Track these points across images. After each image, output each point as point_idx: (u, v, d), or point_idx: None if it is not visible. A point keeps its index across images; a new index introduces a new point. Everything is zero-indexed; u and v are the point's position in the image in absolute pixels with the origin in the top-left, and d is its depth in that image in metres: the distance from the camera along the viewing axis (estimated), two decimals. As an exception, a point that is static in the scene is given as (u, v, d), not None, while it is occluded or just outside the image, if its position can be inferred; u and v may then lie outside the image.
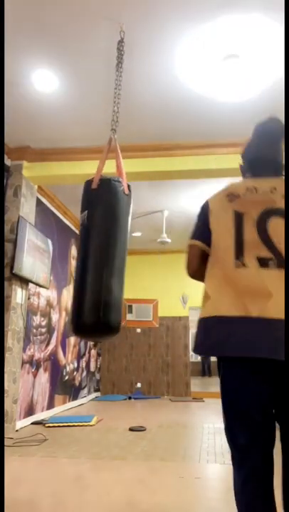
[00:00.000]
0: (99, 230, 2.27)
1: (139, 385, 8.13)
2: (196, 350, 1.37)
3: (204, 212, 1.49)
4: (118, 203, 2.34)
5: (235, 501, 1.31)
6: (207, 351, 1.38)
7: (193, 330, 10.49)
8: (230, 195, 1.43)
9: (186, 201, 6.00)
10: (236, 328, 1.24)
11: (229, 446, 1.44)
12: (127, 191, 2.40)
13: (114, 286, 2.19)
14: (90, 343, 7.62)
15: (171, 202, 6.00)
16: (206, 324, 1.33)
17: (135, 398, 7.72)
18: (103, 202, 2.33)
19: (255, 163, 1.55)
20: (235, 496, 1.32)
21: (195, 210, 5.70)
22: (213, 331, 1.30)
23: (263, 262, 1.28)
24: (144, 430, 4.47)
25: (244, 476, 1.34)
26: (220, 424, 4.99)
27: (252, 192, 1.40)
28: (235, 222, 1.36)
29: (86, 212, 2.34)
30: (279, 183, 1.41)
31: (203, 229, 1.46)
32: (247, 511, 1.28)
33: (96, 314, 2.11)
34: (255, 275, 1.27)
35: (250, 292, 1.26)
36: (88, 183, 2.39)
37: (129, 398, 7.75)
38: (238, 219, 1.36)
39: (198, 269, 1.51)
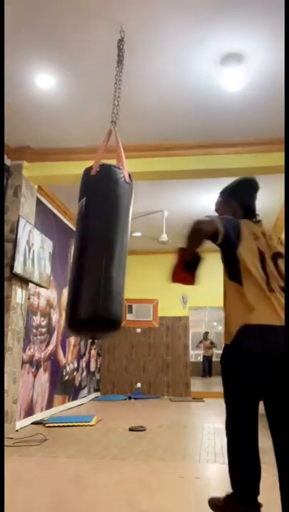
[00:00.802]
0: (98, 217, 2.14)
1: (139, 385, 8.13)
2: (251, 350, 1.69)
3: (237, 227, 1.86)
4: (118, 189, 2.21)
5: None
6: (265, 350, 1.69)
7: (193, 330, 10.46)
8: (253, 234, 1.88)
9: (186, 201, 6.00)
10: (279, 334, 1.69)
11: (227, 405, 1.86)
12: (128, 179, 2.29)
13: (114, 273, 2.03)
14: (94, 344, 7.62)
15: (171, 202, 6.00)
16: (259, 329, 1.72)
17: (135, 398, 7.72)
18: (102, 188, 2.21)
19: (246, 210, 2.03)
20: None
21: (195, 210, 5.72)
22: (264, 336, 1.70)
23: (282, 289, 1.79)
24: (144, 430, 4.47)
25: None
26: (220, 424, 4.99)
27: (264, 237, 1.90)
28: (260, 258, 1.83)
29: (84, 199, 2.22)
30: (269, 229, 1.99)
31: (232, 233, 1.83)
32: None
33: (94, 304, 1.95)
34: (280, 298, 1.77)
35: (280, 309, 1.74)
36: (87, 171, 2.30)
37: (129, 398, 7.75)
38: (262, 256, 1.84)
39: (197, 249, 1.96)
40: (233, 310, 1.80)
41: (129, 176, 2.34)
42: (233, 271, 1.84)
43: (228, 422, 1.86)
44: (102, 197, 2.20)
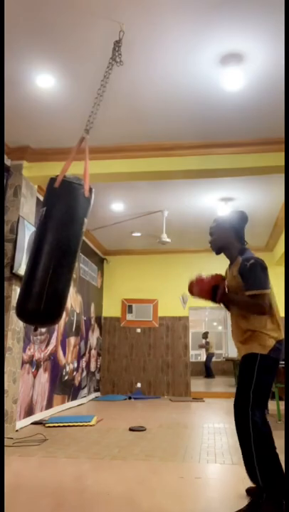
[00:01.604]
0: (53, 227, 2.43)
1: (139, 385, 8.13)
2: (280, 356, 2.33)
3: (267, 270, 2.36)
4: (76, 203, 2.47)
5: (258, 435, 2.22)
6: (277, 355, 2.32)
7: (193, 330, 10.46)
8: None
9: (186, 201, 6.00)
10: None
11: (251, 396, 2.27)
12: (87, 194, 2.49)
13: (59, 279, 2.36)
14: (90, 343, 7.62)
15: (171, 202, 6.00)
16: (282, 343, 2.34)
17: (135, 398, 7.72)
18: (61, 201, 2.47)
19: (241, 239, 2.53)
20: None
21: (195, 210, 5.71)
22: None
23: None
24: (144, 430, 4.47)
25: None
26: (220, 424, 4.99)
27: None
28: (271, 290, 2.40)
29: (45, 208, 2.50)
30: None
31: (268, 282, 2.34)
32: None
33: (38, 303, 2.30)
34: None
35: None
36: (52, 181, 2.53)
37: (129, 398, 7.75)
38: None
39: None
40: (264, 327, 2.32)
41: (90, 189, 2.52)
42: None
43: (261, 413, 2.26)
44: (59, 209, 2.47)
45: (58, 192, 2.47)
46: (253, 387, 2.26)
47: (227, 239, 2.50)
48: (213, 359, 13.67)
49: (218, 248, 2.56)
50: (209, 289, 2.41)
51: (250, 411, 2.21)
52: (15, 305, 2.47)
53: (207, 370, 13.33)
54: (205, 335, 14.22)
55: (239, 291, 2.36)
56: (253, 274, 2.29)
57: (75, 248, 2.46)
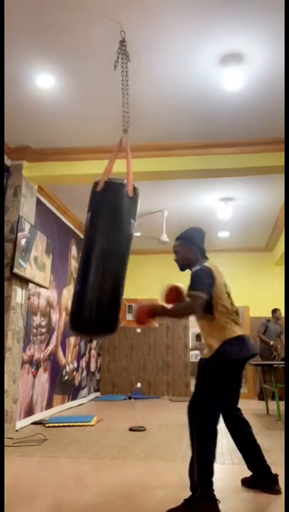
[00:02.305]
0: (100, 233, 2.33)
1: (139, 385, 8.13)
2: (237, 356, 2.40)
3: (212, 276, 2.44)
4: (120, 205, 2.37)
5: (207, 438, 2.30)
6: (245, 355, 2.44)
7: (192, 330, 10.40)
8: (220, 273, 2.54)
9: (186, 201, 6.00)
10: (248, 341, 2.48)
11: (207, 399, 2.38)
12: (131, 194, 2.41)
13: (108, 287, 2.26)
14: (90, 343, 7.62)
15: (171, 202, 6.00)
16: (238, 340, 2.42)
17: (135, 398, 7.72)
18: (105, 204, 2.37)
19: (202, 252, 2.67)
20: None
21: (195, 210, 5.70)
22: (241, 344, 2.42)
23: (237, 313, 2.55)
24: (144, 430, 4.47)
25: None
26: (220, 424, 4.98)
27: (222, 274, 2.57)
28: (226, 290, 2.52)
29: (90, 214, 2.40)
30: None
31: (209, 286, 2.40)
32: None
33: (90, 313, 2.21)
34: (239, 318, 2.54)
35: (241, 325, 2.53)
36: (95, 185, 2.44)
37: (129, 398, 7.75)
38: (226, 289, 2.55)
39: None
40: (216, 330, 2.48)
41: (134, 189, 2.46)
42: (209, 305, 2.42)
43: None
44: (104, 215, 2.38)
45: (101, 195, 2.39)
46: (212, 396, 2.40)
47: (192, 256, 2.62)
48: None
49: (183, 266, 2.66)
50: (147, 317, 2.45)
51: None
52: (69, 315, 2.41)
53: None
54: (198, 337, 14.20)
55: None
56: (193, 278, 2.41)
57: (123, 252, 2.36)
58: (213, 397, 2.35)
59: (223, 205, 5.99)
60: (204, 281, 2.40)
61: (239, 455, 3.37)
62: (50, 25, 2.93)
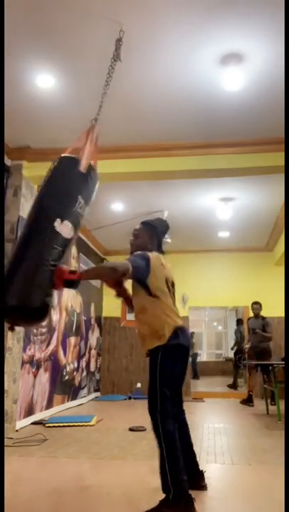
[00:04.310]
0: (37, 202, 2.31)
1: (139, 385, 8.12)
2: (175, 343, 2.35)
3: (147, 262, 2.37)
4: (65, 177, 2.33)
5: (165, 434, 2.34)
6: (180, 343, 2.37)
7: (192, 330, 10.40)
8: (162, 264, 2.48)
9: (186, 201, 6.00)
10: (186, 330, 2.46)
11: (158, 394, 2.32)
12: (83, 170, 2.36)
13: (28, 268, 2.09)
14: (90, 343, 7.62)
15: (171, 202, 6.00)
16: (177, 330, 2.38)
17: (135, 398, 7.72)
18: (53, 176, 2.35)
19: (159, 244, 2.62)
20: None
21: (195, 210, 5.70)
22: (180, 333, 2.39)
23: (175, 306, 2.52)
24: (144, 430, 4.47)
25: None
26: (220, 424, 4.99)
27: (166, 267, 2.52)
28: (166, 283, 2.47)
29: (39, 187, 2.42)
30: (166, 259, 2.60)
31: (143, 272, 2.35)
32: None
33: (7, 295, 2.05)
34: (178, 310, 2.51)
35: (179, 316, 2.49)
36: (52, 162, 2.43)
37: (129, 398, 7.75)
38: (167, 282, 2.48)
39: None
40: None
41: (90, 166, 2.41)
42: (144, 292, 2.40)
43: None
44: (48, 184, 2.34)
45: (51, 169, 2.36)
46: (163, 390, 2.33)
47: (149, 244, 2.57)
48: (213, 359, 13.62)
49: (136, 251, 2.53)
50: (61, 280, 2.21)
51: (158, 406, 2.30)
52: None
53: (194, 370, 13.25)
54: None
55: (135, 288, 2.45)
56: (133, 255, 2.40)
57: (53, 228, 2.16)
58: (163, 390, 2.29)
59: (223, 205, 5.98)
60: (140, 257, 2.36)
61: (239, 455, 3.37)
62: (50, 26, 2.93)
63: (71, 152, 2.48)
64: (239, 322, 9.41)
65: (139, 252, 2.43)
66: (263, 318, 7.02)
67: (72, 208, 2.26)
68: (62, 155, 2.42)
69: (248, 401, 6.77)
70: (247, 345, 7.37)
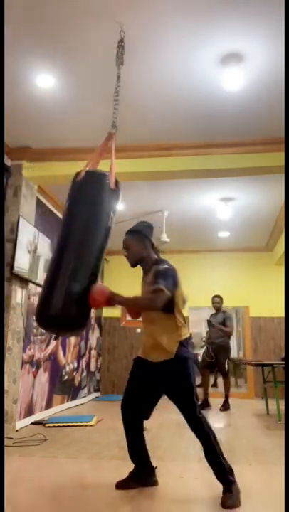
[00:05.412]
0: (78, 221, 2.27)
1: (139, 385, 8.11)
2: (190, 355, 2.52)
3: (175, 281, 2.48)
4: (100, 195, 2.31)
5: (211, 431, 2.45)
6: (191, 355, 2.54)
7: (192, 330, 10.38)
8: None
9: (186, 201, 6.00)
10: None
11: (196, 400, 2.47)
12: (113, 186, 2.36)
13: (79, 280, 2.16)
14: (90, 343, 7.62)
15: (171, 202, 6.00)
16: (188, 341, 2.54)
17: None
18: (85, 193, 2.33)
19: (153, 246, 2.67)
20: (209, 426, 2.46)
21: (195, 210, 5.69)
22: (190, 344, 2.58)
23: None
24: (144, 430, 4.46)
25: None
26: (220, 424, 4.99)
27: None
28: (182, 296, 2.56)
29: (68, 202, 2.36)
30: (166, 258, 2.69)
31: (174, 285, 2.45)
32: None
33: (55, 308, 2.11)
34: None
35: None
36: (76, 175, 2.40)
37: (129, 398, 7.73)
38: (182, 294, 2.56)
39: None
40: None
41: (116, 181, 2.41)
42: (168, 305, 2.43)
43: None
44: (84, 201, 2.31)
45: (81, 183, 2.32)
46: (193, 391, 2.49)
47: (145, 251, 2.60)
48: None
49: (136, 261, 2.61)
50: (104, 300, 2.37)
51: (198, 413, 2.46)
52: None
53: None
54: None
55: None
56: (162, 275, 2.41)
57: (100, 245, 2.28)
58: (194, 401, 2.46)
59: (223, 205, 5.98)
60: (171, 279, 2.42)
61: (239, 455, 3.37)
62: (50, 26, 2.93)
63: (92, 162, 2.49)
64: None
65: (165, 270, 2.45)
66: (224, 312, 6.67)
67: (108, 225, 2.33)
68: (89, 170, 2.40)
69: (202, 405, 5.91)
70: (204, 342, 6.99)
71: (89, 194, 2.32)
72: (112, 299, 2.36)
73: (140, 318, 2.66)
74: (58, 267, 2.21)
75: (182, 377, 2.44)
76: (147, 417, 2.66)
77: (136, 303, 2.52)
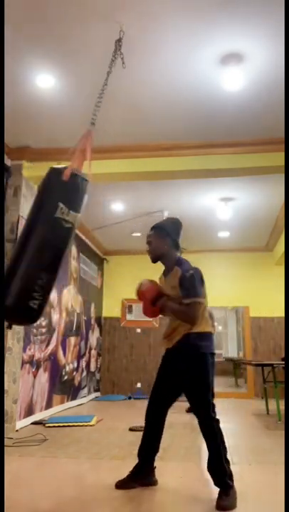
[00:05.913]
0: (29, 214, 2.40)
1: (139, 385, 8.12)
2: (211, 349, 2.54)
3: (203, 280, 2.53)
4: (45, 186, 2.39)
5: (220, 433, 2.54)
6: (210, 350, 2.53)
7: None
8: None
9: (186, 201, 6.00)
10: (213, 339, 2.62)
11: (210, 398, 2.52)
12: (66, 178, 2.31)
13: (20, 270, 2.23)
14: (90, 343, 7.62)
15: (171, 202, 6.00)
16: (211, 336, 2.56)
17: (135, 398, 7.72)
18: (40, 187, 2.47)
19: (177, 245, 2.70)
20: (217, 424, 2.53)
21: (195, 210, 5.69)
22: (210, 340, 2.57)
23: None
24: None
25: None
26: (221, 424, 4.98)
27: None
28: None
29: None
30: None
31: (204, 289, 2.52)
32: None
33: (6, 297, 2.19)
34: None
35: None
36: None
37: (129, 398, 7.75)
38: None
39: None
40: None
41: (74, 175, 2.36)
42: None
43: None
44: (36, 195, 2.48)
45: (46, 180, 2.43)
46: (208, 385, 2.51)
47: (165, 248, 2.62)
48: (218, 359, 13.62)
49: (156, 257, 2.65)
50: (153, 298, 2.58)
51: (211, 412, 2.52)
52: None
53: None
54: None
55: (177, 300, 2.50)
56: (191, 283, 2.44)
57: (41, 235, 2.27)
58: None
59: (223, 205, 5.98)
60: (200, 284, 2.47)
61: (239, 455, 3.37)
62: (50, 26, 2.93)
63: (75, 164, 2.50)
64: None
65: (192, 276, 2.47)
66: None
67: (55, 216, 2.30)
68: (51, 167, 2.47)
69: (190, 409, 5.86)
70: None
71: (39, 187, 2.46)
72: (159, 301, 2.51)
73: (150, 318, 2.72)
74: (13, 260, 2.33)
75: (198, 370, 2.47)
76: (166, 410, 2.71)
77: (175, 312, 2.51)
